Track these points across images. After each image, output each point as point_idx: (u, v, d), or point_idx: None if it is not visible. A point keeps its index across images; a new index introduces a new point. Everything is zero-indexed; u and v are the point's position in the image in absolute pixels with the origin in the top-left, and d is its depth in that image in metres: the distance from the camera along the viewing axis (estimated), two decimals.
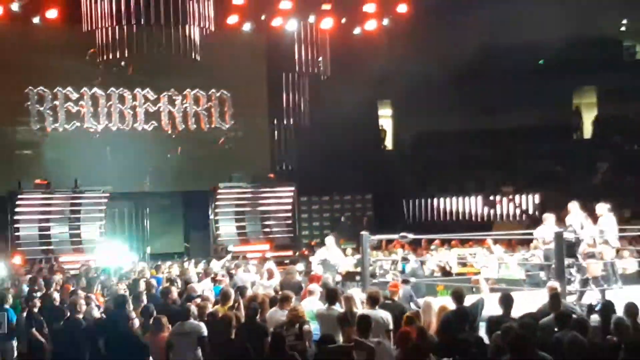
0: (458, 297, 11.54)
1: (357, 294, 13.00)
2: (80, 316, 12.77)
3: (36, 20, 29.16)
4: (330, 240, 20.70)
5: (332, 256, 19.91)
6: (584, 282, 15.81)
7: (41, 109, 30.47)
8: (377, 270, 20.49)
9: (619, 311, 10.54)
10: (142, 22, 29.42)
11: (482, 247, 23.55)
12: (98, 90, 31.13)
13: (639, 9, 34.53)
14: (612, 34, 36.88)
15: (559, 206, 18.08)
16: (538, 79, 34.79)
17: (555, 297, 11.52)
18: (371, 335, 9.87)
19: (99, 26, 29.58)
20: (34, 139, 30.42)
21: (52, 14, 28.98)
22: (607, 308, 10.83)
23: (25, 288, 18.00)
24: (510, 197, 34.13)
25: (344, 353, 8.61)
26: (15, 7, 27.97)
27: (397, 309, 12.16)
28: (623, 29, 37.31)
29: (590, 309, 12.23)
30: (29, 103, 30.28)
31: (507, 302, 11.17)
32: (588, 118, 38.43)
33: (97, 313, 13.15)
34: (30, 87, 30.23)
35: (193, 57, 30.55)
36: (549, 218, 17.02)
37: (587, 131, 38.09)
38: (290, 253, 28.77)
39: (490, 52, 33.75)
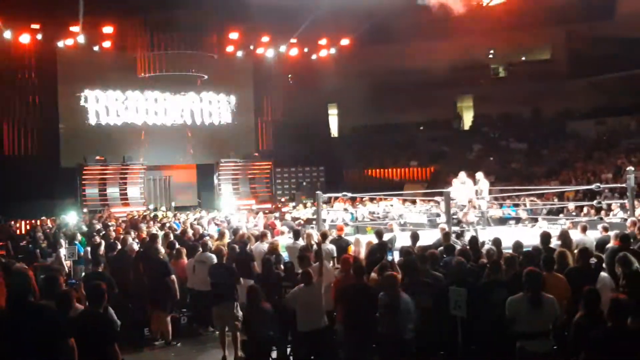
0: (379, 234, 11.59)
1: (314, 233, 13.00)
2: (127, 249, 12.68)
3: (96, 48, 28.76)
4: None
5: None
6: (460, 224, 15.86)
7: (96, 108, 30.01)
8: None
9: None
10: (170, 49, 29.41)
11: (397, 201, 23.73)
12: (137, 94, 30.78)
13: (501, 43, 34.74)
14: (483, 59, 37.00)
15: (447, 174, 18.09)
16: (433, 89, 34.85)
17: (446, 235, 11.58)
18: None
19: (140, 52, 29.51)
20: (93, 128, 29.89)
21: (107, 44, 28.71)
22: (474, 241, 10.92)
23: (85, 228, 17.85)
24: (415, 168, 34.40)
25: (307, 273, 8.58)
26: (81, 39, 27.62)
27: (343, 242, 12.25)
28: (491, 56, 37.45)
29: (458, 236, 12.31)
30: (86, 104, 29.67)
31: (414, 237, 11.20)
32: (467, 116, 38.63)
33: (136, 247, 13.02)
34: (88, 91, 29.69)
35: (203, 73, 30.61)
36: (454, 181, 16.87)
37: (466, 124, 38.29)
38: (269, 206, 28.67)
39: (401, 71, 33.82)
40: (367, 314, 7.95)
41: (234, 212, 24.69)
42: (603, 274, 8.15)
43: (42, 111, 28.60)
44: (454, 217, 15.50)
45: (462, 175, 16.77)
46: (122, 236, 14.33)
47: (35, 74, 28.15)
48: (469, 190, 16.10)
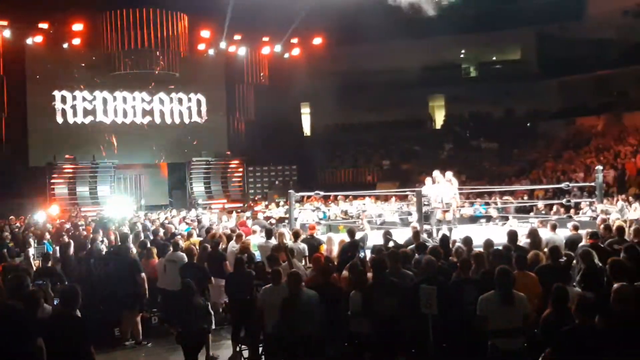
0: (351, 233, 11.62)
1: (286, 231, 12.99)
2: (96, 248, 12.56)
3: (65, 45, 28.39)
4: None
5: None
6: (437, 223, 15.83)
7: (64, 107, 29.67)
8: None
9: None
10: (141, 47, 29.08)
11: (369, 200, 23.79)
12: (107, 93, 30.46)
13: (472, 43, 35.02)
14: (454, 59, 37.28)
15: (419, 173, 18.14)
16: (405, 89, 35.00)
17: (416, 233, 11.63)
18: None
19: (110, 50, 29.13)
20: (62, 127, 29.50)
21: (76, 41, 28.31)
22: (444, 240, 11.02)
23: (49, 227, 17.67)
24: (387, 167, 34.55)
25: (276, 273, 8.55)
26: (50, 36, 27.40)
27: (315, 242, 12.26)
28: (462, 56, 37.72)
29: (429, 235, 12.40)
30: (54, 103, 29.40)
31: (386, 236, 11.25)
32: (438, 115, 38.89)
33: (104, 247, 12.91)
34: (56, 91, 29.41)
35: (174, 71, 30.34)
36: (427, 180, 16.89)
37: (438, 124, 38.53)
38: (241, 205, 28.57)
39: (373, 71, 33.93)
40: (335, 312, 7.96)
41: (204, 211, 24.59)
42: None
43: (10, 109, 28.18)
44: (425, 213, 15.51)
45: (437, 174, 16.81)
46: (91, 235, 14.20)
47: (4, 72, 27.75)
48: (445, 189, 16.08)
